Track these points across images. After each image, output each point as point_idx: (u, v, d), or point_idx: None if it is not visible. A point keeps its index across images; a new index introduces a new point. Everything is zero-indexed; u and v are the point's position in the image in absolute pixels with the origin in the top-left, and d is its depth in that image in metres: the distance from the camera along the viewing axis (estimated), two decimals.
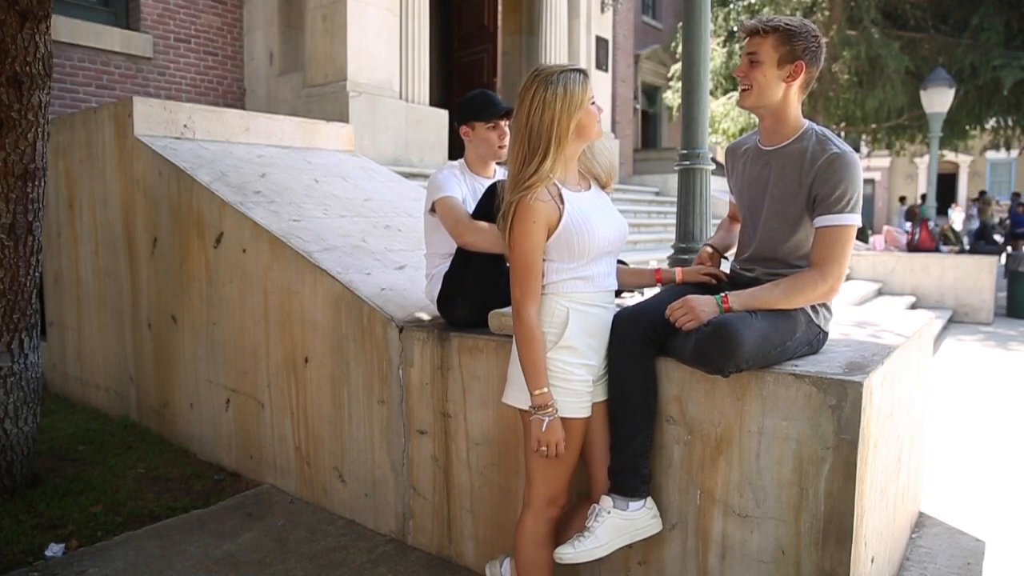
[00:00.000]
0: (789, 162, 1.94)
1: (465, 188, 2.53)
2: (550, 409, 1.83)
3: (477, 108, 2.54)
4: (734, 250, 2.27)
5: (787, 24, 1.88)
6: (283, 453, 3.19)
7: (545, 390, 1.84)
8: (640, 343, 1.92)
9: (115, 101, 4.92)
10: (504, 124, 2.56)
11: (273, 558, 2.62)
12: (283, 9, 7.39)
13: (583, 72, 1.87)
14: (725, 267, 2.28)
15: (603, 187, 2.05)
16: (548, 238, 1.87)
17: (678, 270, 2.21)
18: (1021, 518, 3.17)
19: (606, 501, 1.94)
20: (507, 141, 2.55)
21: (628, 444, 1.93)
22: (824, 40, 1.95)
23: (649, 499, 1.98)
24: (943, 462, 3.86)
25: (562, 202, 1.87)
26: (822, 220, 1.87)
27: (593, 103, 1.88)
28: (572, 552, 1.90)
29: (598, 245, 1.91)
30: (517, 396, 1.95)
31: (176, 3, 6.98)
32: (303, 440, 3.09)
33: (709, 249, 2.32)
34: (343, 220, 3.51)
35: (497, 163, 2.68)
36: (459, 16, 9.18)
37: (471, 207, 2.47)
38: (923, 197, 14.55)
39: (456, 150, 7.92)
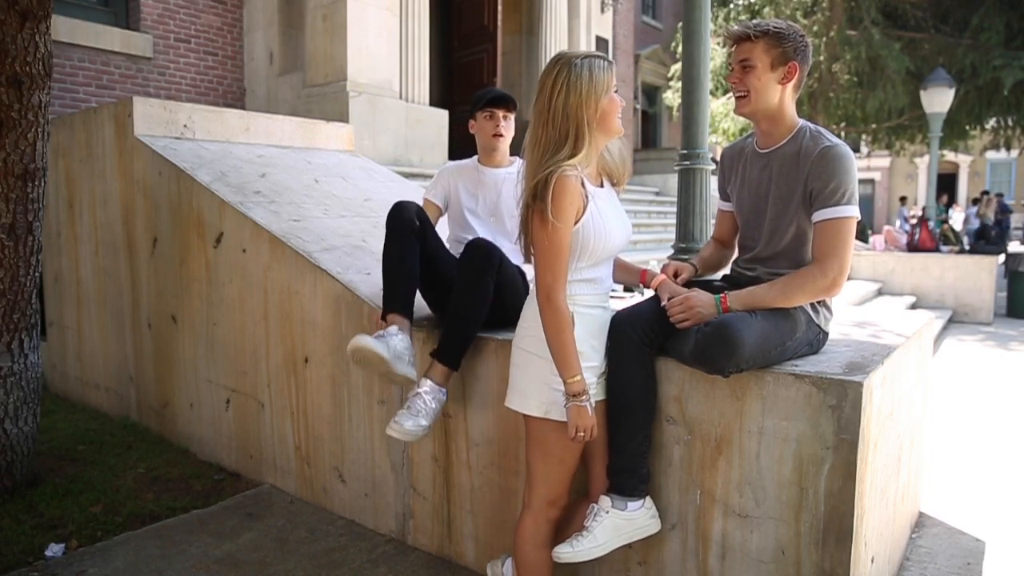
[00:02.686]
0: (787, 162, 1.94)
1: (456, 183, 2.75)
2: (585, 396, 1.78)
3: (476, 100, 2.70)
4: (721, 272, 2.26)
5: (775, 27, 1.88)
6: (283, 453, 3.19)
7: (579, 376, 1.77)
8: (639, 344, 1.92)
9: (115, 101, 4.92)
10: (499, 112, 2.66)
11: (273, 558, 2.62)
12: (283, 9, 7.39)
13: (608, 59, 1.80)
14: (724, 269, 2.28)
15: (616, 184, 1.99)
16: None
17: (658, 277, 2.11)
18: (1021, 518, 3.18)
19: (605, 501, 1.93)
20: (502, 129, 2.67)
21: (627, 444, 1.93)
22: (810, 39, 1.95)
23: (648, 499, 1.98)
24: (943, 462, 3.86)
25: (587, 196, 1.80)
26: (819, 214, 1.86)
27: (616, 91, 1.82)
28: (570, 551, 1.89)
29: (610, 249, 1.88)
30: (522, 402, 1.92)
31: (176, 3, 6.98)
32: (303, 440, 3.09)
33: (690, 266, 2.20)
34: (343, 220, 3.51)
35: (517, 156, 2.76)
36: (459, 16, 9.17)
37: (464, 199, 2.72)
38: (944, 198, 14.67)
39: (456, 150, 7.92)
